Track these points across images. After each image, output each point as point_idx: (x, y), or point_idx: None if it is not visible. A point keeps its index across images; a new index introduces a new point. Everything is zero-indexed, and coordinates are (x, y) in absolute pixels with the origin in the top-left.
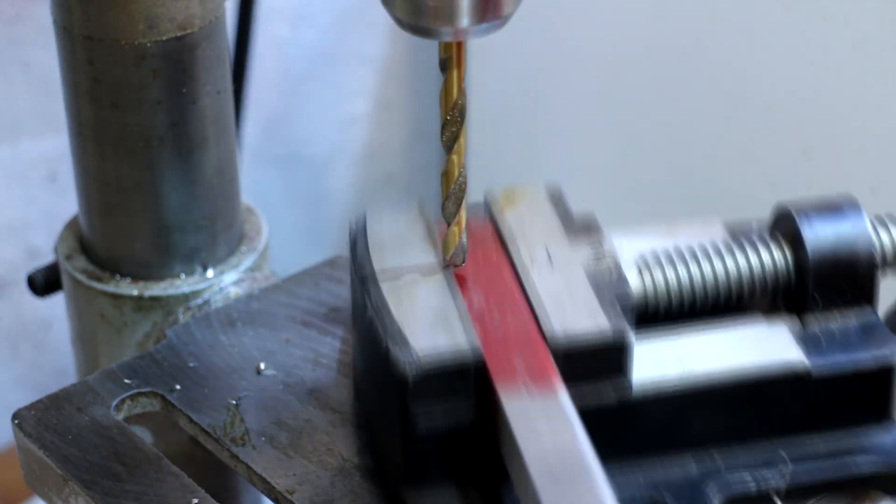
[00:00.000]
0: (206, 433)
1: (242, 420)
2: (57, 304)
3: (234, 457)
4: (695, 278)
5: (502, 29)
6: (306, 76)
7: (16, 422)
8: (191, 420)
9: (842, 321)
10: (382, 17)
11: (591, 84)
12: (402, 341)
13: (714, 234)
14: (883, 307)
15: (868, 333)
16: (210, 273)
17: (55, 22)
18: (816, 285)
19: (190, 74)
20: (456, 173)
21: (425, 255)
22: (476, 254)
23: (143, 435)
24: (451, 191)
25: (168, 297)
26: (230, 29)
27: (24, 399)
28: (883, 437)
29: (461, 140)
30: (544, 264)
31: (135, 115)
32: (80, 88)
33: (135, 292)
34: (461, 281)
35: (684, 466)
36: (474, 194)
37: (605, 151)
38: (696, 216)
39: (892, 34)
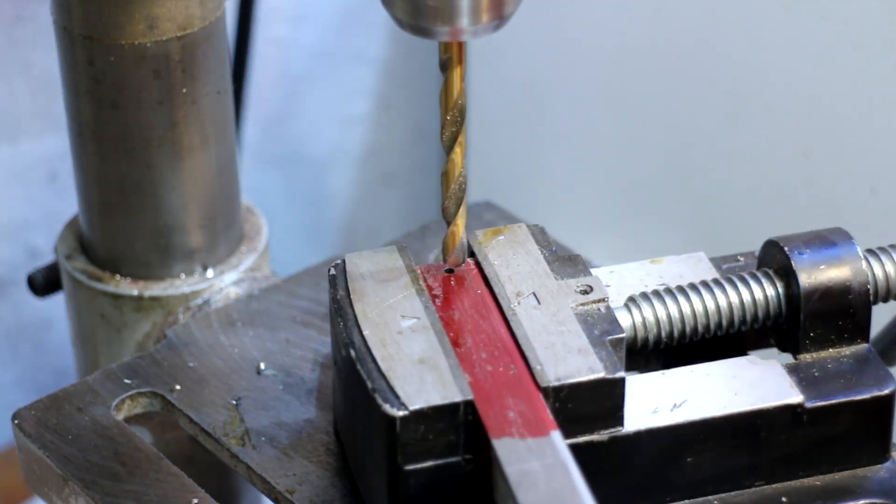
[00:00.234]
0: (206, 433)
1: (242, 420)
2: (57, 304)
3: (234, 457)
4: (685, 315)
5: (502, 29)
6: (306, 76)
7: (16, 422)
8: (191, 420)
9: (836, 356)
10: (382, 17)
11: (592, 84)
12: (388, 388)
13: (701, 268)
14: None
15: (863, 369)
16: (210, 273)
17: (55, 22)
18: (809, 321)
19: (190, 74)
20: (456, 173)
21: (408, 298)
22: (461, 295)
23: (143, 435)
24: (451, 191)
25: (168, 297)
26: (230, 29)
27: (24, 399)
28: (881, 476)
29: (461, 140)
30: (531, 304)
31: (135, 115)
32: (80, 88)
33: (135, 292)
34: (447, 323)
35: None
36: (474, 194)
37: (604, 151)
38: (682, 250)
39: (892, 34)
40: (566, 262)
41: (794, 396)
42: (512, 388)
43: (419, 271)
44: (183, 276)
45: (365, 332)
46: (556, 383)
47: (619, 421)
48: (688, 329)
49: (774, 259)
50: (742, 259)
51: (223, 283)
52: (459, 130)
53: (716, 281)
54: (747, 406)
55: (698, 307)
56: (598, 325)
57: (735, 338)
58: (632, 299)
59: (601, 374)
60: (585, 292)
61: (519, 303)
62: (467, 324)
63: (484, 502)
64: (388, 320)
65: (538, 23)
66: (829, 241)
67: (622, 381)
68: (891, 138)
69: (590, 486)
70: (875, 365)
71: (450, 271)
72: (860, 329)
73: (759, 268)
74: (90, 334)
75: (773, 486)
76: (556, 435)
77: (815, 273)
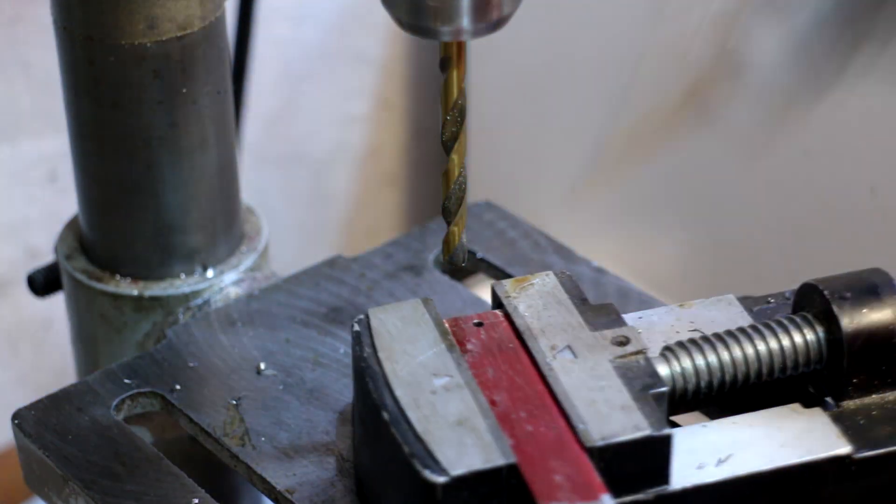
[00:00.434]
0: (206, 433)
1: (242, 420)
2: (57, 304)
3: (234, 457)
4: (725, 363)
5: (502, 29)
6: (306, 76)
7: (16, 422)
8: (191, 420)
9: (880, 402)
10: (382, 17)
11: (592, 84)
12: (426, 452)
13: (732, 312)
14: None
15: None
16: (210, 273)
17: (55, 22)
18: (852, 366)
19: (190, 74)
20: (456, 173)
21: (438, 355)
22: (492, 349)
23: (143, 435)
24: (451, 191)
25: (168, 297)
26: (230, 29)
27: (24, 399)
28: None
29: (461, 140)
30: (567, 358)
31: (135, 115)
32: (80, 88)
33: (135, 292)
34: (481, 381)
35: None
36: (474, 194)
37: (604, 151)
38: (710, 295)
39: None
40: (599, 311)
41: (843, 447)
42: (555, 448)
43: (447, 325)
44: (183, 276)
45: (397, 393)
46: (602, 443)
47: (666, 479)
48: (727, 378)
49: (813, 303)
50: (773, 301)
51: (223, 283)
52: (459, 130)
53: (754, 328)
54: (795, 459)
55: (738, 355)
56: (639, 378)
57: (773, 385)
58: (668, 349)
59: (647, 432)
60: (622, 343)
61: (554, 357)
62: (502, 380)
63: None
64: (419, 379)
65: (538, 23)
66: (869, 282)
67: (669, 438)
68: (891, 138)
69: None
70: None
71: (478, 324)
72: None
73: (795, 311)
74: (90, 334)
75: None
76: (607, 499)
77: (857, 317)
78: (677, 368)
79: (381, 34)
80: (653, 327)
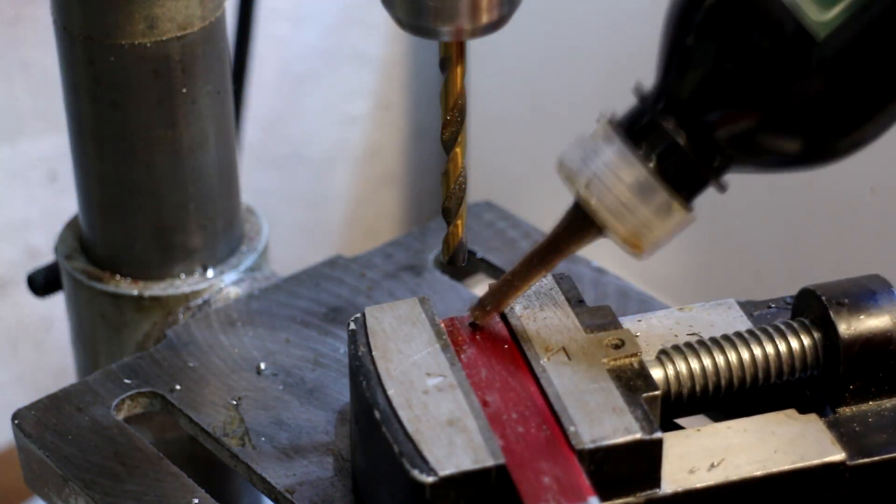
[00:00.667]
0: (206, 433)
1: (242, 420)
2: (57, 304)
3: (234, 457)
4: (720, 367)
5: (502, 29)
6: (306, 76)
7: (16, 422)
8: (191, 420)
9: (876, 409)
10: (382, 17)
11: (592, 84)
12: (416, 452)
13: (732, 316)
14: None
15: None
16: (210, 273)
17: (55, 22)
18: (849, 372)
19: (190, 74)
20: (456, 173)
21: (433, 355)
22: (487, 350)
23: (143, 435)
24: (451, 191)
25: (168, 297)
26: (230, 29)
27: (24, 399)
28: None
29: (461, 140)
30: (561, 360)
31: (135, 115)
32: (80, 88)
33: (135, 292)
34: (474, 381)
35: None
36: (474, 194)
37: None
38: (710, 299)
39: None
40: (595, 313)
41: (836, 454)
42: (545, 450)
43: (443, 325)
44: (183, 276)
45: (389, 392)
46: (591, 446)
47: (656, 483)
48: (723, 382)
49: (811, 308)
50: (773, 306)
51: (223, 283)
52: (459, 130)
53: (751, 332)
54: (787, 465)
55: (733, 359)
56: (632, 381)
57: (768, 390)
58: (664, 352)
59: (638, 436)
60: (617, 346)
61: (548, 358)
62: (495, 381)
63: None
64: (413, 378)
65: (538, 23)
66: (867, 289)
67: (660, 442)
68: (891, 138)
69: None
70: None
71: (474, 325)
72: None
73: (794, 317)
74: (90, 334)
75: None
76: (594, 502)
77: (855, 323)
78: (672, 372)
79: (381, 34)
80: (651, 330)
